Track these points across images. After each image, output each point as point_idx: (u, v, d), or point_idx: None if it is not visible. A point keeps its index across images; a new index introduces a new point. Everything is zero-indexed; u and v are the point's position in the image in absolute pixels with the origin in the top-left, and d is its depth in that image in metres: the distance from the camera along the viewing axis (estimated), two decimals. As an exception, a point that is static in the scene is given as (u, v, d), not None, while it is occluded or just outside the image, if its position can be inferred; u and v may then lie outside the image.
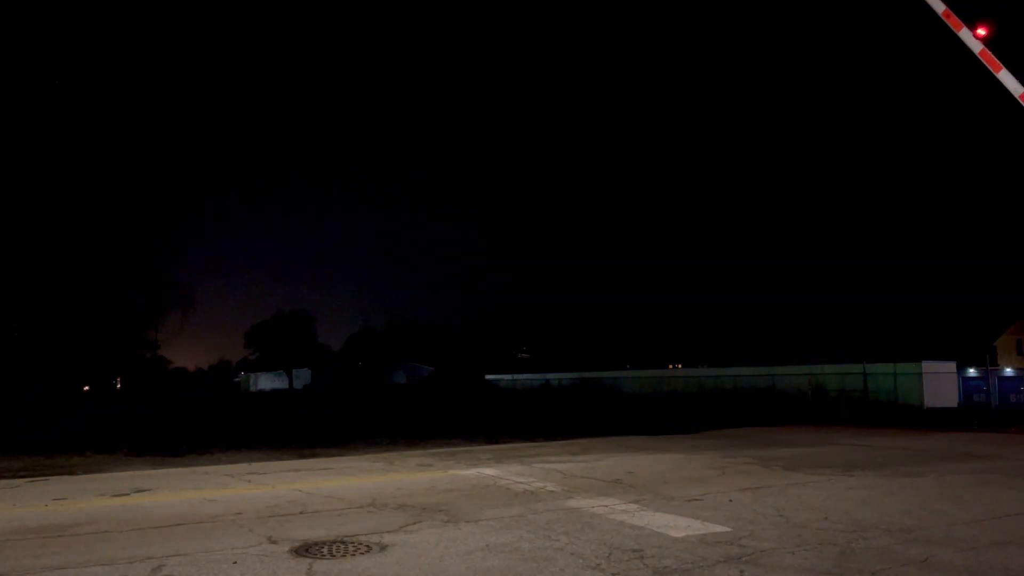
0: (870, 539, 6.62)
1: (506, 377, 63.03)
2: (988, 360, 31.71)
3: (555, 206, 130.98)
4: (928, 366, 31.27)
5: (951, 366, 31.73)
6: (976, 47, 11.99)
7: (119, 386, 59.32)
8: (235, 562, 5.93)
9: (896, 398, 31.10)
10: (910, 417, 24.68)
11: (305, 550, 6.32)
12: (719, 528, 7.07)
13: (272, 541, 6.67)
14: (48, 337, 39.35)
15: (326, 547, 6.43)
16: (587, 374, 53.14)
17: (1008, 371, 33.91)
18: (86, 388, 50.77)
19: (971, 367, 33.25)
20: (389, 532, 7.01)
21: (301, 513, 8.06)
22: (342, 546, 6.46)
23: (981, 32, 11.95)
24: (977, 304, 57.56)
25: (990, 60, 11.87)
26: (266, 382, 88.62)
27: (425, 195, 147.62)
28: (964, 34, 12.07)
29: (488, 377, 63.76)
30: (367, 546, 6.45)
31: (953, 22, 12.23)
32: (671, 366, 63.49)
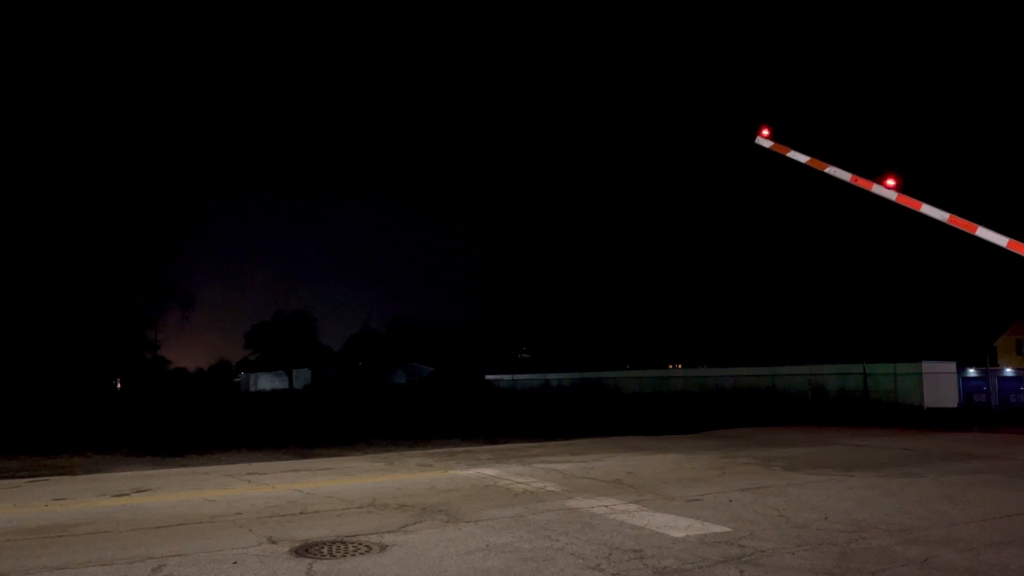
0: (870, 539, 6.62)
1: (506, 377, 63.07)
2: (988, 360, 31.73)
3: (555, 205, 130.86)
4: (928, 366, 31.29)
5: (951, 366, 31.74)
6: (891, 196, 12.50)
7: (119, 386, 59.41)
8: (235, 562, 5.94)
9: (896, 398, 31.15)
10: (910, 417, 24.68)
11: (305, 550, 6.32)
12: (719, 528, 7.07)
13: (272, 541, 6.67)
14: (49, 337, 39.42)
15: (326, 547, 6.43)
16: (587, 374, 53.19)
17: (1008, 371, 33.89)
18: (86, 388, 50.86)
19: (971, 367, 33.24)
20: (389, 532, 7.01)
21: (301, 513, 8.06)
22: (342, 546, 6.46)
23: (891, 183, 12.49)
24: (977, 304, 57.48)
25: (909, 202, 12.36)
26: (266, 382, 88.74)
27: (426, 195, 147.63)
28: (877, 189, 12.58)
29: (488, 377, 63.82)
30: (367, 546, 6.45)
31: (862, 183, 12.73)
32: (671, 366, 63.52)
